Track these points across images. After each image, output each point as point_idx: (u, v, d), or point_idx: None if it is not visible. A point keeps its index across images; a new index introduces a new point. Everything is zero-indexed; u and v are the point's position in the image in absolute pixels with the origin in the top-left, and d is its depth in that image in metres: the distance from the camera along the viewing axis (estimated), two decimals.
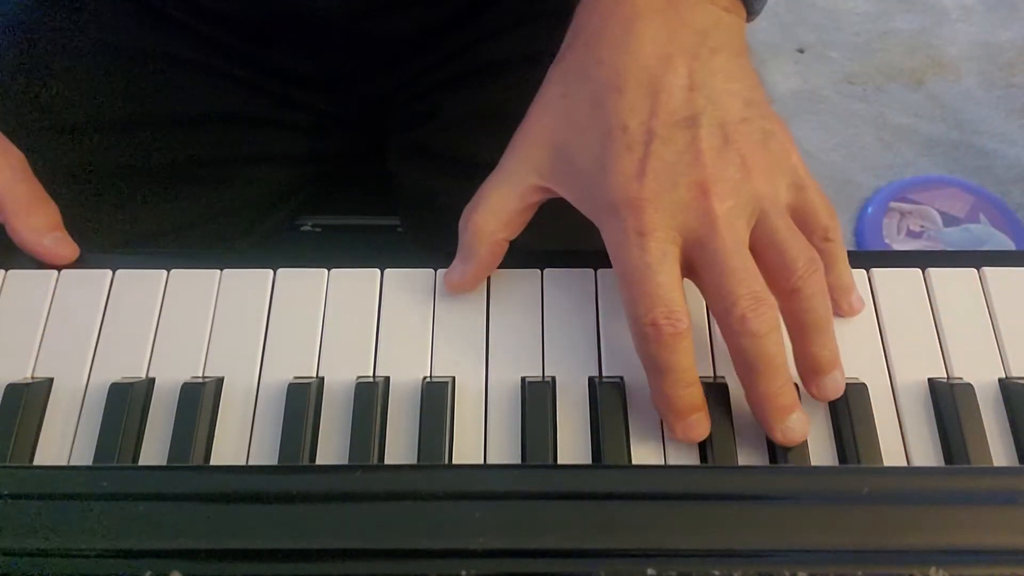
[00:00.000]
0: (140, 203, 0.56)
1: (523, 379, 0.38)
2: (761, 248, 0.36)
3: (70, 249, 0.42)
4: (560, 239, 0.55)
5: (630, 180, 0.35)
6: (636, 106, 0.36)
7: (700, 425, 0.36)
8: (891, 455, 0.36)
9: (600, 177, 0.36)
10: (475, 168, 0.57)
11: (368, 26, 0.57)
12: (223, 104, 0.59)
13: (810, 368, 0.37)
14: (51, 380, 0.39)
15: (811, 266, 0.35)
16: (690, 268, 0.36)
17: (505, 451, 0.37)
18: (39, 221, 0.42)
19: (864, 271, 0.41)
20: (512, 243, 0.55)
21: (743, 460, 0.36)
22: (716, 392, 0.37)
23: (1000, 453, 0.36)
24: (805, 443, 0.36)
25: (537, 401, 0.37)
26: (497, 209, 0.39)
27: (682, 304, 0.35)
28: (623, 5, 0.38)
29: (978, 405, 0.37)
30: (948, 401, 0.37)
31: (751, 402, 0.36)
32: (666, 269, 0.35)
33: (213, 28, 0.57)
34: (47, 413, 0.38)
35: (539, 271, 0.41)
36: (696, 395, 0.36)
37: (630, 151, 0.35)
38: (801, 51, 1.61)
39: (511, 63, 0.58)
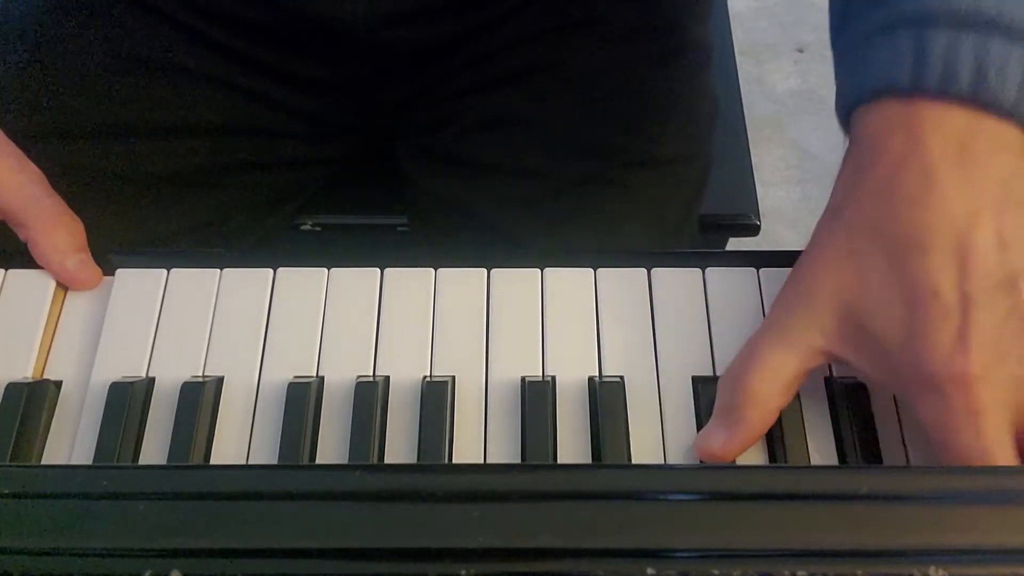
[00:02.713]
0: (143, 208, 0.56)
1: (523, 379, 0.38)
2: None
3: (93, 273, 0.41)
4: (561, 238, 0.55)
5: (952, 353, 0.32)
6: (944, 268, 0.32)
7: None
8: (891, 455, 0.36)
9: (910, 348, 0.33)
10: (494, 173, 0.57)
11: (390, 35, 0.57)
12: (230, 114, 0.59)
13: None
14: (52, 380, 0.39)
15: None
16: (1020, 451, 0.33)
17: (505, 451, 0.37)
18: (63, 240, 0.41)
19: None
20: (511, 243, 0.55)
21: (743, 460, 0.36)
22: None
23: None
24: (805, 443, 0.37)
25: (537, 401, 0.37)
26: (775, 372, 0.35)
27: None
28: (915, 156, 0.34)
29: None
30: None
31: None
32: (1006, 455, 0.32)
33: (227, 35, 0.57)
34: (47, 413, 0.38)
35: (539, 271, 0.41)
36: None
37: (946, 319, 0.32)
38: (801, 51, 1.61)
39: (530, 72, 0.58)
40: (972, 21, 0.34)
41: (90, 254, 0.42)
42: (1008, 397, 0.32)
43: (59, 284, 0.41)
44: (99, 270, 0.42)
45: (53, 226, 0.41)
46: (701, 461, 0.36)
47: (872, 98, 0.36)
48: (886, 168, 0.35)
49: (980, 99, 0.34)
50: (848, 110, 0.37)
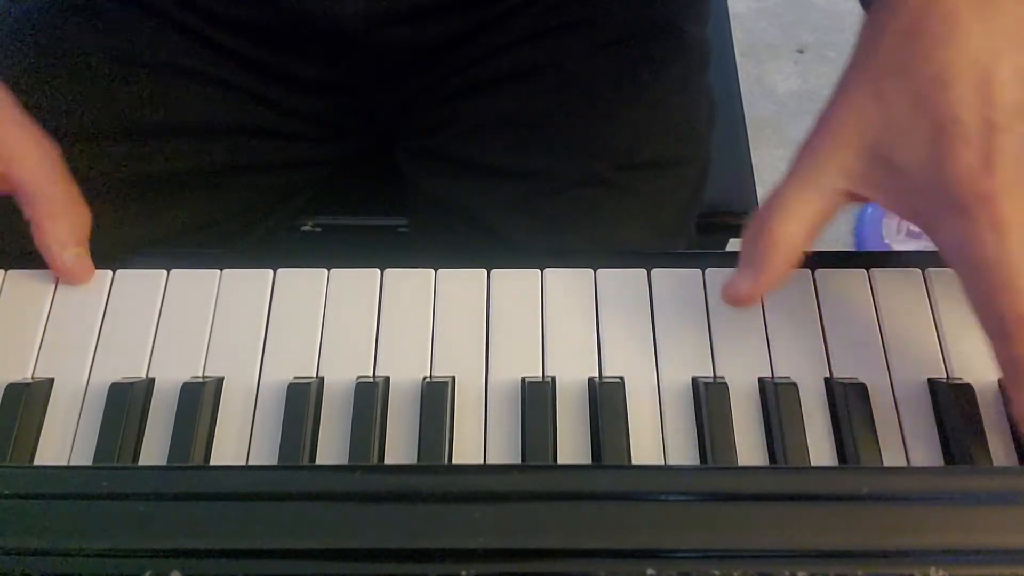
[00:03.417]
0: (144, 210, 0.56)
1: (523, 379, 0.38)
2: None
3: (86, 270, 0.41)
4: (563, 242, 0.55)
5: (976, 173, 0.33)
6: (967, 98, 0.34)
7: None
8: (891, 455, 0.36)
9: (934, 174, 0.34)
10: (492, 173, 0.57)
11: (389, 36, 0.57)
12: (230, 115, 0.59)
13: None
14: (51, 380, 0.39)
15: None
16: None
17: (505, 451, 0.37)
18: (66, 231, 0.41)
19: (864, 271, 0.41)
20: (508, 244, 0.55)
21: (743, 460, 0.36)
22: (717, 392, 0.37)
23: (1000, 453, 0.36)
24: (804, 443, 0.37)
25: (537, 401, 0.37)
26: (798, 215, 0.37)
27: None
28: (937, 3, 0.35)
29: (978, 405, 0.37)
30: (948, 401, 0.37)
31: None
32: None
33: (228, 37, 0.57)
34: (47, 413, 0.38)
35: (539, 271, 0.41)
36: None
37: (968, 144, 0.33)
38: (801, 51, 1.61)
39: (528, 73, 0.58)
40: None
41: (87, 248, 0.41)
42: None
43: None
44: (91, 266, 0.41)
45: (61, 213, 0.41)
46: (729, 306, 0.39)
47: None
48: (908, 17, 0.36)
49: None
50: None
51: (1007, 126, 0.33)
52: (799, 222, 0.37)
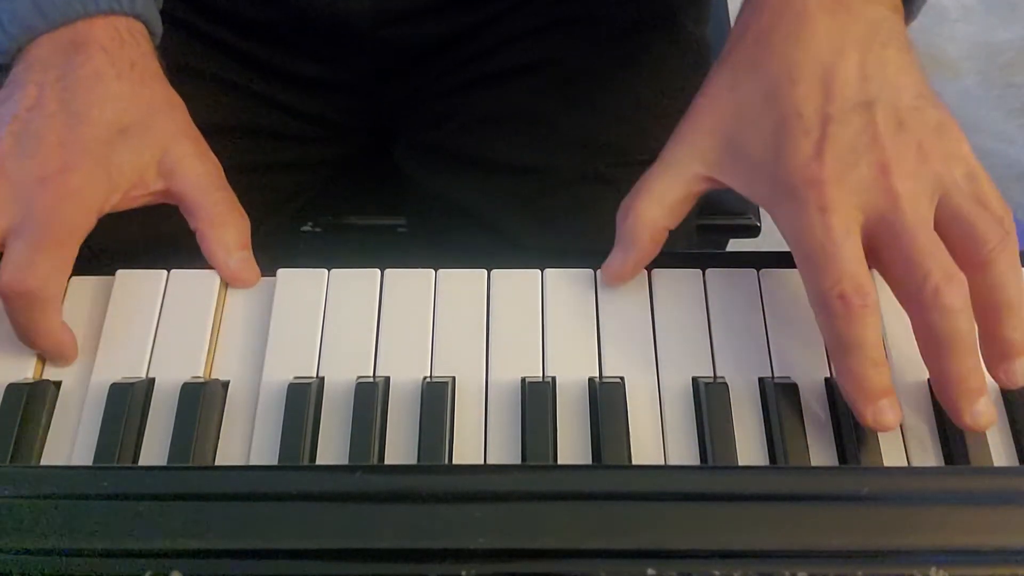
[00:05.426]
0: (146, 210, 0.56)
1: (523, 379, 0.38)
2: (946, 226, 0.35)
3: (253, 273, 0.42)
4: (561, 239, 0.55)
5: (809, 161, 0.36)
6: (810, 94, 0.37)
7: (891, 410, 0.35)
8: (891, 455, 0.36)
9: (775, 162, 0.37)
10: (492, 169, 0.57)
11: (393, 33, 0.57)
12: (235, 116, 0.59)
13: (1000, 352, 0.35)
14: (52, 380, 0.39)
15: (1004, 240, 0.35)
16: (870, 250, 0.36)
17: (505, 451, 0.37)
18: (230, 236, 0.41)
19: None
20: (507, 240, 0.55)
21: (743, 460, 0.36)
22: (717, 392, 0.37)
23: (1000, 453, 0.36)
24: (805, 443, 0.37)
25: (537, 401, 0.37)
26: (660, 197, 0.39)
27: (869, 279, 0.35)
28: (794, 5, 0.38)
29: None
30: None
31: (938, 385, 0.35)
32: (851, 244, 0.35)
33: (233, 37, 0.57)
34: (48, 413, 0.38)
35: (539, 271, 0.41)
36: (886, 376, 0.35)
37: (807, 135, 0.36)
38: None
39: (530, 68, 0.58)
40: None
41: (251, 251, 0.42)
42: (858, 200, 0.35)
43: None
44: (257, 269, 0.42)
45: (223, 222, 0.42)
46: (609, 284, 0.41)
47: None
48: (767, 18, 0.39)
49: None
50: None
51: (841, 119, 0.36)
52: (660, 205, 0.39)
